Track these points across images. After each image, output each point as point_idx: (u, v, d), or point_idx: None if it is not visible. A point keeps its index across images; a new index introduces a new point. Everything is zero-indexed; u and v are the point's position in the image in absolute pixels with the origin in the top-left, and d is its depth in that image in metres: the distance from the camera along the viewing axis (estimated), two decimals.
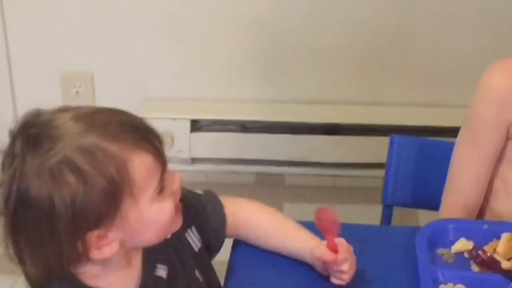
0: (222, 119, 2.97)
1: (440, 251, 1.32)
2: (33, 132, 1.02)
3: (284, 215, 1.37)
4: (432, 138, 1.91)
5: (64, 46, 2.94)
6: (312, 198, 2.85)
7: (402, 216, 2.51)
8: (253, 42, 2.92)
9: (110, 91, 3.00)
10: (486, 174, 1.48)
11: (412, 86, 2.96)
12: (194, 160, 3.01)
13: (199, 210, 1.29)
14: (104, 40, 2.94)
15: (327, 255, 1.24)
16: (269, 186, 2.94)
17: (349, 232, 1.31)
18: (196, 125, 2.96)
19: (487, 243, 1.32)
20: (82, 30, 2.92)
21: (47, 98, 2.87)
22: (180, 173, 1.12)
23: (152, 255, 1.17)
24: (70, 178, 0.99)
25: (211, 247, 1.30)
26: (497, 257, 1.28)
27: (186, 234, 1.25)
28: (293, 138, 2.94)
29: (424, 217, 2.33)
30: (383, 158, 1.78)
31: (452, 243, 1.33)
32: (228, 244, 1.36)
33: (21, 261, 1.06)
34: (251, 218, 1.35)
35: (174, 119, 2.90)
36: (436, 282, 1.22)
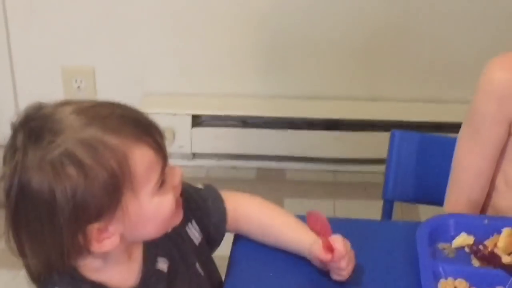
0: (223, 115, 2.96)
1: (441, 245, 1.32)
2: (35, 125, 1.02)
3: (284, 210, 1.37)
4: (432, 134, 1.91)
5: (65, 41, 2.94)
6: (312, 194, 2.84)
7: (403, 211, 2.51)
8: (254, 38, 2.92)
9: (111, 86, 3.00)
10: (488, 168, 1.48)
11: (412, 82, 2.95)
12: (195, 155, 3.02)
13: (200, 205, 1.29)
14: (105, 35, 2.94)
15: (323, 255, 1.24)
16: (269, 181, 2.94)
17: (350, 227, 1.32)
18: (197, 121, 2.97)
19: (487, 238, 1.32)
20: (83, 25, 2.92)
21: (49, 92, 2.86)
22: (181, 168, 1.12)
23: (152, 248, 1.17)
24: (71, 171, 1.00)
25: (211, 241, 1.30)
26: (498, 252, 1.28)
27: (186, 228, 1.25)
28: (293, 133, 2.94)
29: (425, 212, 2.34)
30: (383, 154, 1.78)
31: (453, 237, 1.33)
32: (229, 239, 1.36)
33: (22, 254, 1.06)
34: (252, 213, 1.35)
35: (175, 114, 2.90)
36: (436, 276, 1.22)
